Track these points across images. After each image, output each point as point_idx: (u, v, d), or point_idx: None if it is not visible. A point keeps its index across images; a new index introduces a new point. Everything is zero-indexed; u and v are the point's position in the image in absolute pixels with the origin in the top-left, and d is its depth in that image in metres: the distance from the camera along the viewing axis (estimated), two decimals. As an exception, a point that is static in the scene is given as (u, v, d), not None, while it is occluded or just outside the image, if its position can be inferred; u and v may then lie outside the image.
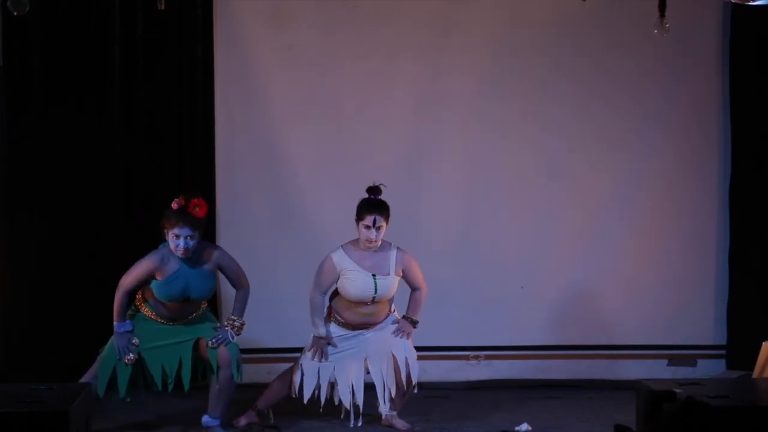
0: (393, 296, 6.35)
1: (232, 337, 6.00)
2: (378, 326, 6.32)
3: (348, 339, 6.29)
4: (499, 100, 7.67)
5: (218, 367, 5.98)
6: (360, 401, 6.28)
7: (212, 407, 6.06)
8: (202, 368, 6.13)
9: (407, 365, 6.26)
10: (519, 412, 6.77)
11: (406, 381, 6.28)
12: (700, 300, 7.81)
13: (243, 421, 6.32)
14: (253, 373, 7.06)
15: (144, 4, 7.29)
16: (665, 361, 7.77)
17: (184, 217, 5.87)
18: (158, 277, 5.95)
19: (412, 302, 6.37)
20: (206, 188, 7.46)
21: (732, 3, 6.52)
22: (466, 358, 7.73)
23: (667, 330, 7.76)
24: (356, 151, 7.63)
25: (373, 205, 6.17)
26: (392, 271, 6.23)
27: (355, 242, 6.27)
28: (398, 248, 6.31)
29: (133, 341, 5.94)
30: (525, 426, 6.30)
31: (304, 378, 6.24)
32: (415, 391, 6.35)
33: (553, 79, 7.66)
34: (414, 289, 6.38)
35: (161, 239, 7.38)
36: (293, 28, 7.59)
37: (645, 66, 7.69)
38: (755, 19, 7.41)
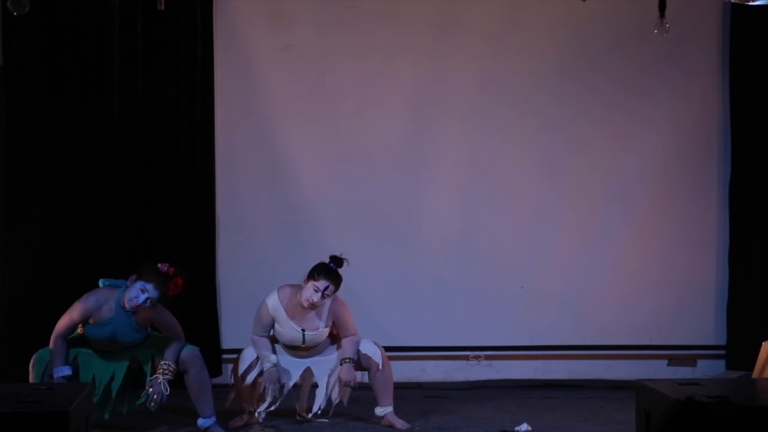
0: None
1: (166, 389, 5.92)
2: (317, 355, 6.36)
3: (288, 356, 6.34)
4: (498, 100, 7.67)
5: (186, 369, 6.00)
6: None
7: (200, 408, 6.06)
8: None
9: (362, 355, 6.26)
10: (519, 412, 6.77)
11: (374, 366, 6.27)
12: (700, 300, 7.81)
13: (239, 422, 6.33)
14: (253, 373, 7.06)
15: (144, 4, 7.29)
16: (665, 361, 7.77)
17: (163, 282, 5.86)
18: (91, 321, 5.94)
19: (347, 345, 6.28)
20: (206, 188, 7.47)
21: (732, 3, 6.52)
22: (466, 358, 7.73)
23: (667, 330, 7.76)
24: (356, 151, 7.63)
25: (331, 272, 6.16)
26: (322, 325, 6.25)
27: (294, 289, 6.24)
28: (334, 296, 6.26)
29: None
30: (525, 426, 6.29)
31: (242, 363, 6.26)
32: (380, 368, 6.26)
33: (552, 79, 7.66)
34: (346, 336, 6.32)
35: (161, 239, 7.41)
36: (293, 28, 7.59)
37: (645, 66, 7.69)
38: (755, 19, 7.42)
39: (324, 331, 6.28)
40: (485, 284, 7.66)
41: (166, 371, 5.94)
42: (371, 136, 7.64)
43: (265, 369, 6.20)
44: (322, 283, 6.10)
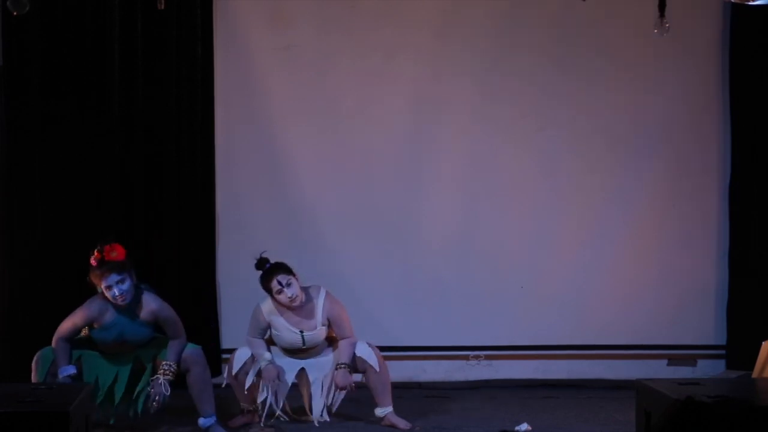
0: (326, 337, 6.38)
1: (166, 390, 5.94)
2: (317, 357, 6.36)
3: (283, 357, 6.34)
4: (498, 100, 7.67)
5: (188, 368, 6.01)
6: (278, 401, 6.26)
7: (201, 408, 6.06)
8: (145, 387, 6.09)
9: (357, 358, 6.27)
10: (519, 412, 6.77)
11: (370, 369, 6.27)
12: (700, 300, 7.80)
13: (238, 422, 6.33)
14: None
15: (144, 4, 7.28)
16: (665, 361, 7.76)
17: (104, 266, 5.88)
18: (95, 326, 5.99)
19: (343, 349, 6.28)
20: (206, 188, 7.47)
21: (732, 3, 6.52)
22: (466, 358, 7.73)
23: (667, 330, 7.75)
24: (355, 150, 7.63)
25: (269, 271, 6.23)
26: (319, 324, 6.28)
27: None
28: (327, 294, 6.32)
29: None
30: (525, 426, 6.29)
31: (236, 362, 6.27)
32: (376, 370, 6.28)
33: (552, 79, 7.65)
34: (342, 338, 6.33)
35: (161, 239, 7.42)
36: (292, 28, 7.59)
37: (645, 66, 7.69)
38: (755, 19, 7.41)
39: (322, 330, 6.29)
40: (485, 284, 7.66)
41: (167, 372, 5.94)
42: (371, 136, 7.64)
43: (262, 367, 6.20)
44: (275, 284, 6.18)
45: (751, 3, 5.99)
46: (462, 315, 7.64)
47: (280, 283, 6.20)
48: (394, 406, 6.38)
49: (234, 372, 6.28)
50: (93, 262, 5.93)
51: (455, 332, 7.66)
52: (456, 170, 7.67)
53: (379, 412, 6.35)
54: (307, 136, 7.60)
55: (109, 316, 5.96)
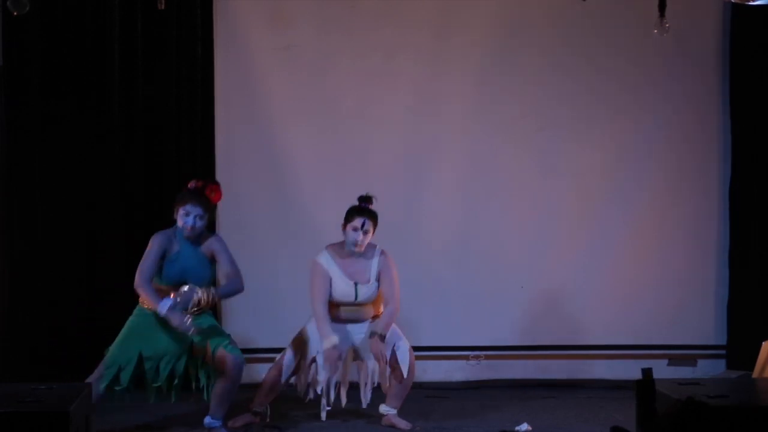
0: (379, 299, 6.38)
1: (197, 294, 5.91)
2: (364, 323, 6.35)
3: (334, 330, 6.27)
4: (498, 100, 7.68)
5: (223, 372, 5.98)
6: (334, 390, 6.28)
7: (214, 408, 6.06)
8: (197, 372, 6.09)
9: (394, 356, 6.29)
10: (519, 412, 6.77)
11: (398, 373, 6.29)
12: (700, 300, 7.81)
13: (239, 422, 6.32)
14: (253, 372, 7.06)
15: (144, 4, 7.29)
16: (665, 361, 7.76)
17: (198, 197, 6.01)
18: (164, 259, 6.02)
19: (384, 318, 6.33)
20: (206, 188, 7.47)
21: (732, 3, 6.52)
22: (466, 358, 7.73)
23: (667, 330, 7.76)
24: (356, 150, 7.64)
25: (363, 209, 6.30)
26: (373, 278, 6.33)
27: (339, 247, 6.34)
28: (383, 252, 6.39)
29: (186, 320, 5.90)
30: (525, 426, 6.30)
31: (285, 370, 6.28)
32: (403, 377, 6.31)
33: (552, 79, 7.66)
34: (387, 302, 6.35)
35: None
36: (292, 28, 7.60)
37: (645, 66, 7.70)
38: (755, 19, 7.42)
39: (374, 287, 6.31)
40: (485, 284, 7.66)
41: (207, 294, 5.95)
42: (371, 135, 7.65)
43: (325, 348, 6.18)
44: (358, 221, 6.25)
45: (751, 3, 5.99)
46: (462, 315, 7.64)
47: (363, 225, 6.25)
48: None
49: (283, 380, 6.27)
50: (190, 185, 6.05)
51: (455, 332, 7.66)
52: (456, 170, 7.68)
53: (383, 409, 6.37)
54: (307, 136, 7.60)
55: (175, 246, 6.02)
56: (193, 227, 6.00)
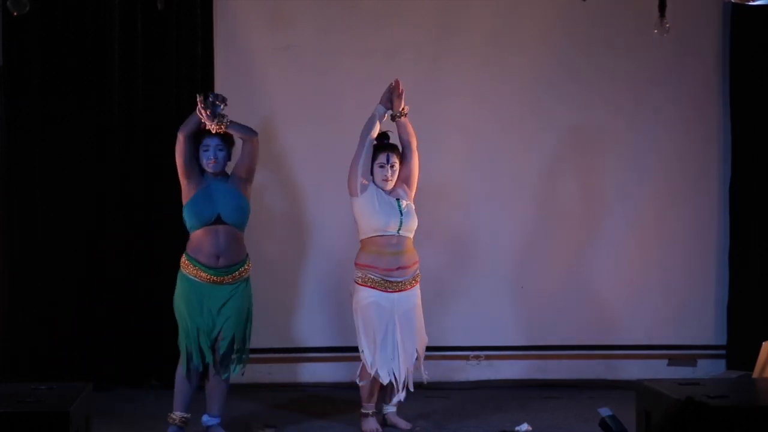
0: (413, 238, 6.32)
1: (220, 103, 5.97)
2: (406, 293, 6.23)
3: (381, 306, 6.17)
4: (498, 100, 7.68)
5: (211, 376, 6.01)
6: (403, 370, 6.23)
7: (210, 406, 6.07)
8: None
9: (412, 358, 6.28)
10: (519, 412, 6.77)
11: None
12: (700, 300, 7.81)
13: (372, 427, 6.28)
14: (254, 372, 7.05)
15: (144, 4, 7.29)
16: (665, 361, 7.76)
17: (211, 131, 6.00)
18: (190, 191, 6.03)
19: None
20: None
21: (732, 3, 6.52)
22: (466, 358, 7.73)
23: (667, 330, 7.76)
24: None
25: (385, 145, 6.30)
26: (405, 195, 6.31)
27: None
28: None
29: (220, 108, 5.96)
30: (525, 426, 6.30)
31: (368, 357, 6.18)
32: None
33: (553, 78, 7.66)
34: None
35: (161, 239, 7.42)
36: (292, 28, 7.60)
37: (645, 66, 7.70)
38: (755, 19, 7.42)
39: (412, 206, 6.28)
40: (485, 284, 7.66)
41: (223, 119, 5.98)
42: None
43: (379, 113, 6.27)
44: (383, 157, 6.24)
45: (751, 3, 5.99)
46: (462, 315, 7.64)
47: (388, 159, 6.25)
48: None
49: (372, 373, 6.17)
50: (202, 126, 6.01)
51: (455, 332, 7.66)
52: (456, 170, 7.67)
53: (385, 408, 6.39)
54: (307, 135, 7.60)
55: (203, 181, 6.05)
56: (216, 159, 6.02)
